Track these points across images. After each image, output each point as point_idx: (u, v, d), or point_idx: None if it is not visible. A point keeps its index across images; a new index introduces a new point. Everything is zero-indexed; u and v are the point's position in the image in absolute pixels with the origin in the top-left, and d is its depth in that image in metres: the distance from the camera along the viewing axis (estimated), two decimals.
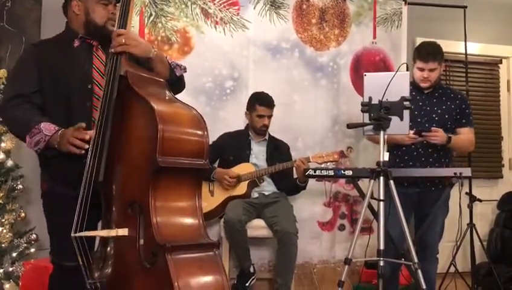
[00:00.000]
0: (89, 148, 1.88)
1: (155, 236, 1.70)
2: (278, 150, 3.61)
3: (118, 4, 2.07)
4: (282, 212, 3.39)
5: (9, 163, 3.14)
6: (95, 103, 2.01)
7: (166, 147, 1.74)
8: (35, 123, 1.94)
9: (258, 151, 3.59)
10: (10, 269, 2.99)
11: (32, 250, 3.20)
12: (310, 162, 3.34)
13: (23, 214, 3.20)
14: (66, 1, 2.14)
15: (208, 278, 1.75)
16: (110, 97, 1.88)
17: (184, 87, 2.23)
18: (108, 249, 1.89)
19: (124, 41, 1.91)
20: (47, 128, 1.93)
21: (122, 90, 1.88)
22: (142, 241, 1.75)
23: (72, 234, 1.83)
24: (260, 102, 3.51)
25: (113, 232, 1.82)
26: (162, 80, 2.01)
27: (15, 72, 2.14)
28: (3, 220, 3.05)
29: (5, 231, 3.03)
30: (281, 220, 3.30)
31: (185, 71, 2.18)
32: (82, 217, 1.84)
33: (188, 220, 1.83)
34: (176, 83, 2.13)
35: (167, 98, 1.96)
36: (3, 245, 3.01)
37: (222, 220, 3.35)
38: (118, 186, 1.88)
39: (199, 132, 1.88)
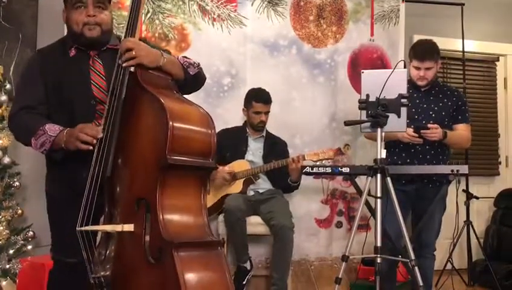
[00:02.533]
0: (96, 145, 1.86)
1: (162, 233, 1.71)
2: (275, 147, 3.61)
3: (100, 5, 1.97)
4: (278, 207, 3.40)
5: (6, 160, 3.13)
6: (99, 120, 1.96)
7: (176, 144, 1.75)
8: (40, 125, 1.92)
9: (255, 148, 3.59)
10: (7, 266, 2.99)
11: (29, 247, 3.20)
12: (305, 160, 3.34)
13: (20, 211, 3.19)
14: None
15: (212, 276, 1.76)
16: (119, 98, 1.86)
17: (204, 80, 2.18)
18: (111, 244, 1.89)
19: (134, 54, 1.85)
20: (51, 129, 1.91)
21: (131, 87, 1.88)
22: (147, 238, 1.75)
23: (78, 228, 1.83)
24: (256, 99, 3.51)
25: (118, 227, 1.82)
26: (169, 77, 1.99)
27: (21, 85, 2.11)
28: (0, 217, 3.04)
29: (1, 228, 3.03)
30: (276, 215, 3.31)
31: (198, 68, 2.10)
32: (88, 212, 1.84)
33: (194, 218, 1.84)
34: (193, 82, 2.08)
35: (175, 96, 1.96)
36: (0, 242, 3.01)
37: (222, 209, 3.34)
38: (125, 182, 1.88)
39: (208, 131, 1.89)
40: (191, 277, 1.67)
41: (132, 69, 1.88)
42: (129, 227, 1.80)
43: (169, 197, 1.77)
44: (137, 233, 1.78)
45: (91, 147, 1.85)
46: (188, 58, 2.10)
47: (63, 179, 2.02)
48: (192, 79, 2.07)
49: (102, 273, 1.86)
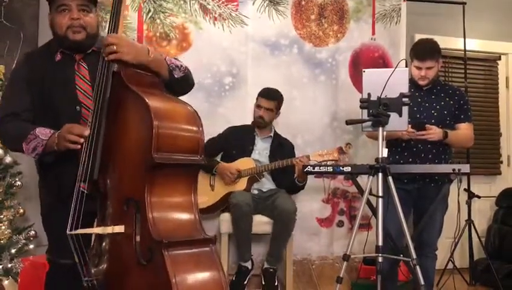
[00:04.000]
0: (84, 145, 1.85)
1: (151, 232, 1.69)
2: (281, 148, 3.60)
3: (85, 8, 1.96)
4: (280, 195, 3.43)
5: (8, 159, 3.13)
6: (84, 125, 1.93)
7: (161, 143, 1.73)
8: (30, 130, 1.92)
9: (262, 148, 3.59)
10: (9, 265, 2.98)
11: (31, 246, 3.19)
12: (310, 160, 3.34)
13: (21, 211, 3.20)
14: None
15: (204, 274, 1.75)
16: (103, 98, 1.84)
17: (191, 86, 2.13)
18: (104, 246, 1.88)
19: (115, 48, 1.82)
20: (42, 132, 1.91)
21: (116, 86, 1.86)
22: (138, 238, 1.74)
23: (68, 232, 1.81)
24: (261, 93, 3.55)
25: (109, 229, 1.81)
26: (155, 76, 1.96)
27: (8, 89, 2.10)
28: (1, 216, 3.04)
29: (3, 227, 3.03)
30: (279, 201, 3.35)
31: (184, 72, 2.05)
32: (77, 215, 1.83)
33: (184, 216, 1.83)
34: (177, 85, 2.03)
35: (161, 94, 1.94)
36: (1, 241, 3.01)
37: (225, 207, 3.36)
38: (113, 183, 1.86)
39: (194, 128, 1.87)
40: (182, 276, 1.65)
41: (116, 68, 1.85)
42: (120, 228, 1.79)
43: (157, 195, 1.75)
44: (128, 234, 1.77)
45: (79, 146, 1.83)
46: (176, 61, 2.06)
47: (53, 183, 2.02)
48: (177, 82, 2.02)
49: (94, 271, 1.85)
